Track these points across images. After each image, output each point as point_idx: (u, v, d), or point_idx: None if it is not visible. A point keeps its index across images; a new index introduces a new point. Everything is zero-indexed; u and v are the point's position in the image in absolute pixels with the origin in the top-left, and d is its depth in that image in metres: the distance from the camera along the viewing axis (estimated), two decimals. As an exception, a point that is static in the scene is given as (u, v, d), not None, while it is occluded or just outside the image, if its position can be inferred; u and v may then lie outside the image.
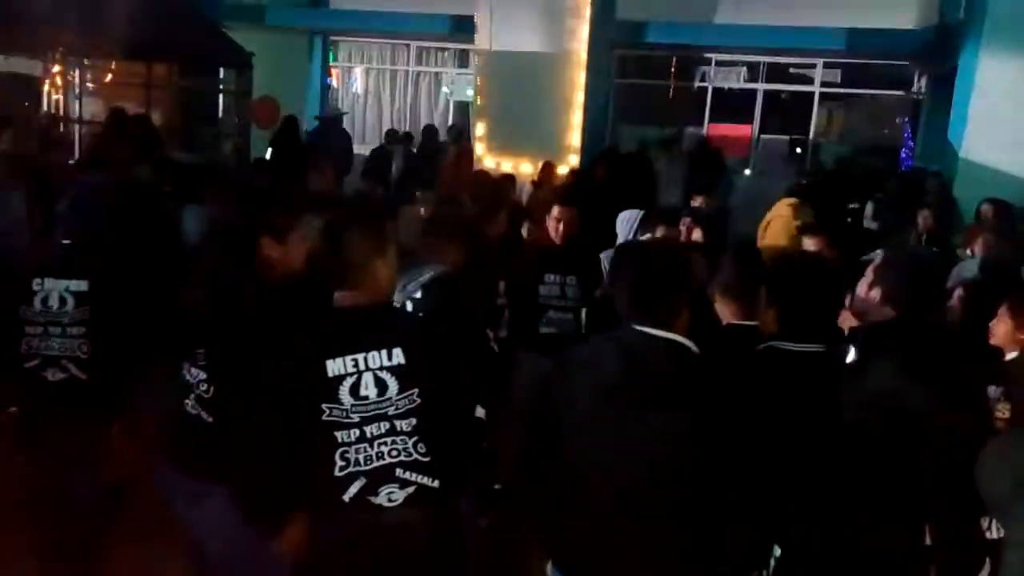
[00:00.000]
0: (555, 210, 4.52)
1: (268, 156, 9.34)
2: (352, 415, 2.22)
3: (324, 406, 2.21)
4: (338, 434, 2.22)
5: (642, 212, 4.96)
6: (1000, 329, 3.31)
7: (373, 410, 2.23)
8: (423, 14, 12.24)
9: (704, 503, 2.05)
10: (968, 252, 5.47)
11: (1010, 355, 3.26)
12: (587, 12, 9.40)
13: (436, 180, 9.00)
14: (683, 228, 4.48)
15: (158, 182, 5.41)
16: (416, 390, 2.25)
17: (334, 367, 2.22)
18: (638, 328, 2.13)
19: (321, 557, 2.27)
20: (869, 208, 8.04)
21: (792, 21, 11.04)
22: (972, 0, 9.48)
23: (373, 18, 13.03)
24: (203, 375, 2.61)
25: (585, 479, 2.13)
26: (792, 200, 6.68)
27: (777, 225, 6.43)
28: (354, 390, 2.22)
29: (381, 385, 2.23)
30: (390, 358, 2.24)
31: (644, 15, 10.98)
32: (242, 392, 2.36)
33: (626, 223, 4.93)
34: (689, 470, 2.05)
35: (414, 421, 2.25)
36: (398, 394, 2.24)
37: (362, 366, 2.23)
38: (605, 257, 4.27)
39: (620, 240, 4.67)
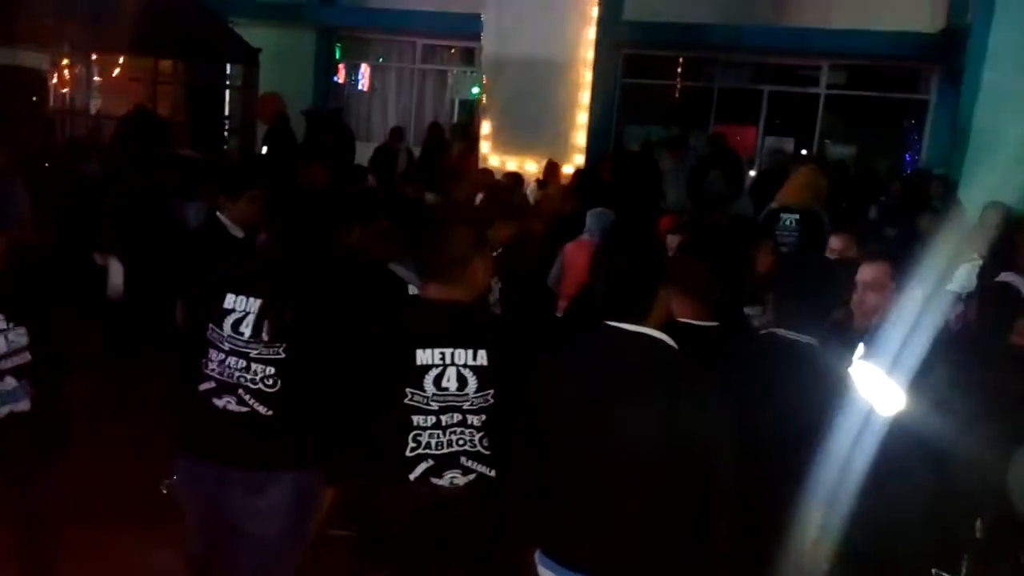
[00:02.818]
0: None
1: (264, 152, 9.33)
2: (432, 403, 2.37)
3: (408, 391, 2.36)
4: (415, 418, 2.38)
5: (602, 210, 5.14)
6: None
7: (451, 401, 2.39)
8: (430, 12, 12.24)
9: (685, 491, 2.08)
10: (973, 255, 5.46)
11: None
12: (594, 12, 9.40)
13: (440, 178, 9.01)
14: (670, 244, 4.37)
15: (165, 179, 5.45)
16: (492, 391, 2.40)
17: (423, 357, 2.37)
18: (613, 325, 2.16)
19: (381, 520, 2.47)
20: (873, 211, 8.01)
21: (798, 23, 11.03)
22: (979, 3, 9.45)
23: (380, 15, 13.04)
24: (271, 369, 2.56)
25: (570, 472, 2.17)
26: (811, 165, 7.31)
27: (795, 182, 6.87)
28: (437, 381, 2.37)
29: (462, 381, 2.38)
30: (475, 358, 2.39)
31: (651, 16, 10.97)
32: (326, 375, 2.49)
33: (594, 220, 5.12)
34: (668, 460, 2.07)
35: (484, 417, 2.41)
36: (475, 392, 2.39)
37: (448, 360, 2.38)
38: None
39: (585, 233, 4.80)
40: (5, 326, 2.67)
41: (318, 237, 2.73)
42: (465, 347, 2.39)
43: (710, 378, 2.14)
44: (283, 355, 2.56)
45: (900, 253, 3.24)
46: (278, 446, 2.59)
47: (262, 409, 2.57)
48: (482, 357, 2.39)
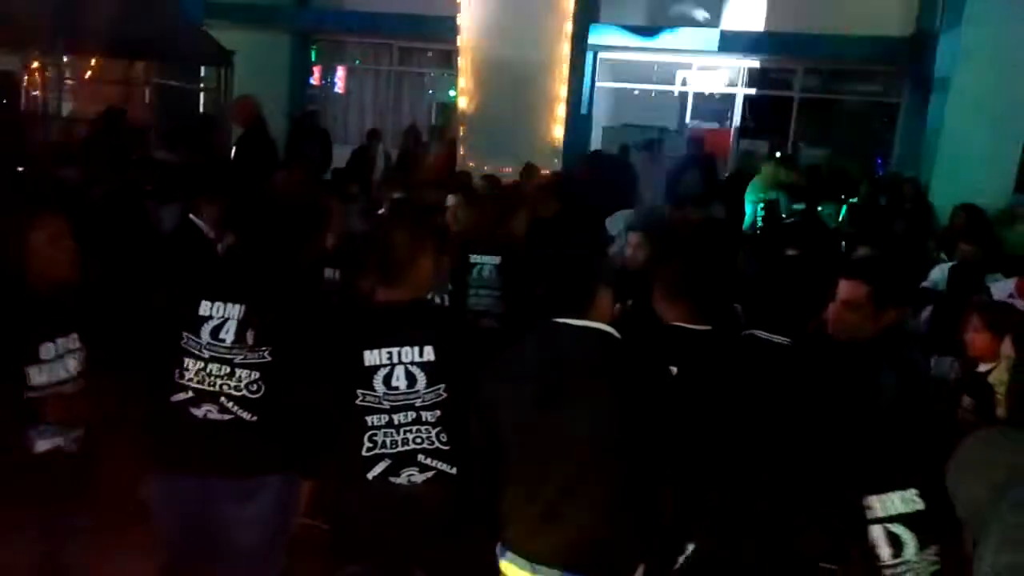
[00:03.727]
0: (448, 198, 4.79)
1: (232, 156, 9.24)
2: (383, 402, 2.40)
3: (359, 391, 2.40)
4: (368, 418, 2.41)
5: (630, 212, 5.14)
6: (978, 341, 3.27)
7: (402, 400, 2.41)
8: (405, 14, 12.23)
9: (633, 480, 2.15)
10: (943, 255, 5.56)
11: (986, 366, 3.22)
12: (569, 15, 9.43)
13: (418, 181, 8.99)
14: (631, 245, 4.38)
15: (137, 181, 5.40)
16: (443, 385, 2.43)
17: (371, 357, 2.41)
18: (559, 321, 2.22)
19: (346, 519, 2.52)
20: (844, 214, 8.11)
21: (772, 27, 11.14)
22: (948, 8, 9.61)
23: (355, 18, 13.00)
24: (256, 374, 2.53)
25: (526, 465, 2.21)
26: (775, 160, 8.46)
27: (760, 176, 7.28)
28: (387, 380, 2.40)
29: (411, 378, 2.41)
30: (421, 355, 2.42)
31: (625, 19, 11.04)
32: (301, 378, 2.51)
33: (615, 223, 5.12)
34: (617, 450, 2.13)
35: (438, 413, 2.44)
36: (426, 388, 2.43)
37: (395, 359, 2.41)
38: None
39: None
40: (78, 346, 2.57)
41: (286, 239, 2.72)
42: (411, 344, 2.42)
43: (655, 365, 2.21)
44: (269, 358, 2.54)
45: (878, 267, 3.24)
46: (264, 451, 2.57)
47: (246, 415, 2.54)
48: (429, 353, 2.43)
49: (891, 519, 1.81)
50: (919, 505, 1.81)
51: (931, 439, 1.99)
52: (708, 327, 2.64)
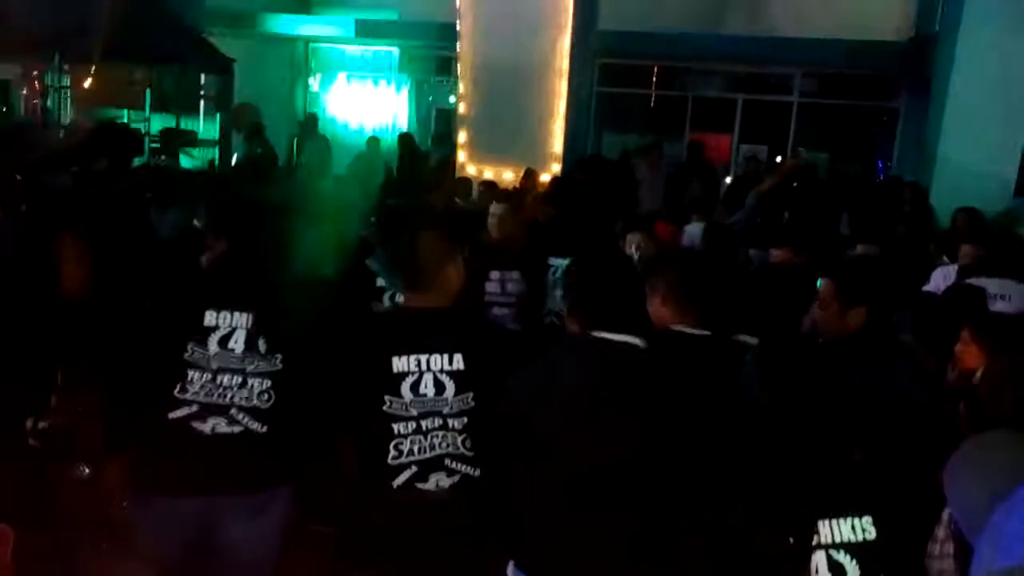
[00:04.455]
0: (492, 207, 4.73)
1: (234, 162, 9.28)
2: (411, 409, 2.37)
3: (387, 398, 2.36)
4: (395, 425, 2.37)
5: (705, 225, 5.19)
6: (967, 355, 3.24)
7: (430, 407, 2.38)
8: (406, 21, 12.24)
9: (661, 500, 2.07)
10: (945, 258, 5.53)
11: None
12: (569, 21, 9.45)
13: (417, 187, 8.99)
14: (631, 245, 4.43)
15: (136, 186, 5.39)
16: (471, 394, 2.40)
17: (399, 364, 2.37)
18: (595, 335, 2.17)
19: (363, 523, 2.46)
20: (845, 218, 8.09)
21: (771, 32, 11.15)
22: (946, 12, 9.62)
23: (355, 25, 13.02)
24: (268, 383, 2.49)
25: (550, 483, 2.14)
26: None
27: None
28: (415, 387, 2.37)
29: (439, 386, 2.38)
30: (451, 363, 2.39)
31: (625, 25, 11.04)
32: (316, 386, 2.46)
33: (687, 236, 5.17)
34: (647, 467, 2.07)
35: (465, 420, 2.41)
36: (454, 396, 2.40)
37: (424, 367, 2.38)
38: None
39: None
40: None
41: (279, 241, 2.69)
42: (441, 352, 2.38)
43: (687, 387, 2.15)
44: (281, 366, 2.50)
45: (860, 267, 3.23)
46: (276, 462, 2.53)
47: (256, 426, 2.48)
48: (459, 361, 2.39)
49: (836, 546, 1.68)
50: (871, 534, 1.69)
51: (897, 457, 1.84)
52: (707, 332, 2.63)
